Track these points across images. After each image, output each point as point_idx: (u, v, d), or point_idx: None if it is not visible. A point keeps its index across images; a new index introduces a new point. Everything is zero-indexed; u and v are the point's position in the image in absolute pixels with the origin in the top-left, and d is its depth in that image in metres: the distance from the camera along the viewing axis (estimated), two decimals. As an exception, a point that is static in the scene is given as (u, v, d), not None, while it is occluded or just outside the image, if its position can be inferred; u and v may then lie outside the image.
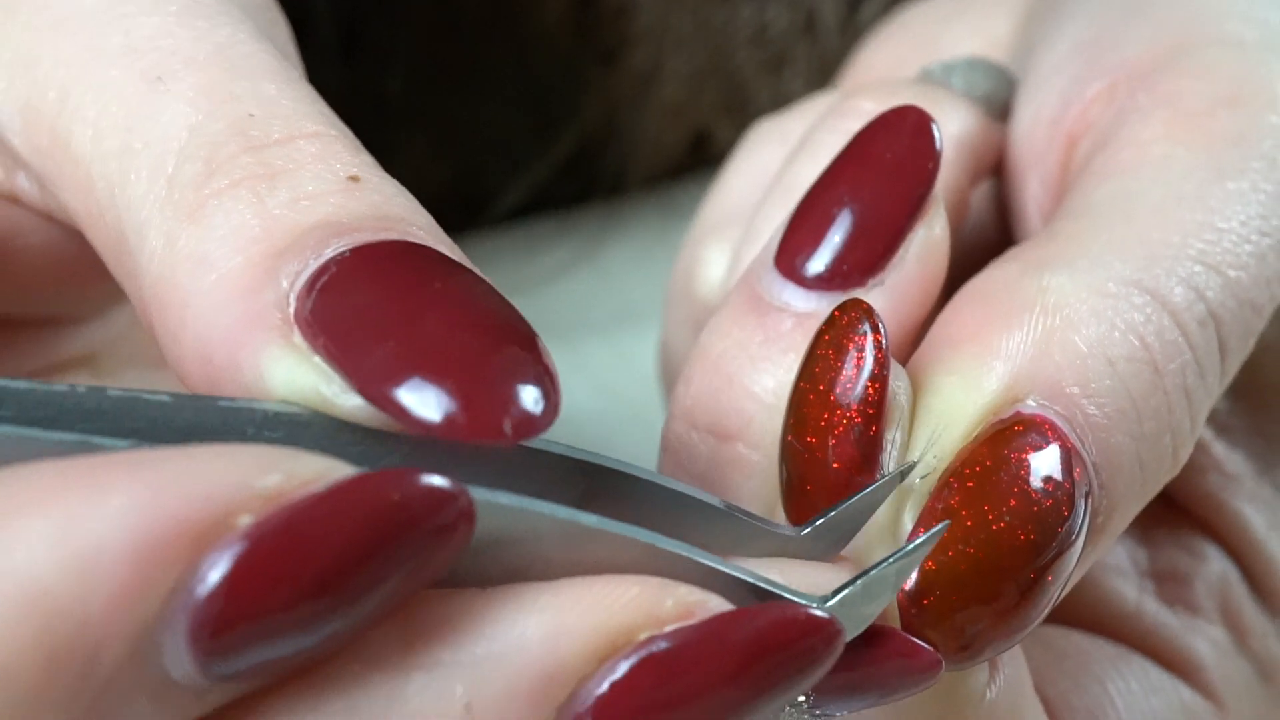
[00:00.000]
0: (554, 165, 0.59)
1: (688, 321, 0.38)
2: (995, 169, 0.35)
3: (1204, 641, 0.33)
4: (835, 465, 0.26)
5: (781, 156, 0.35)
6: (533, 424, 0.23)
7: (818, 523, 0.26)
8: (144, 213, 0.25)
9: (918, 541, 0.25)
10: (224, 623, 0.21)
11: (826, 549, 0.26)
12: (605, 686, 0.22)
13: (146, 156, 0.26)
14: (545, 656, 0.22)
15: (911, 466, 0.26)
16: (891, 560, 0.24)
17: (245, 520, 0.21)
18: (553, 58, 0.57)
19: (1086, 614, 0.33)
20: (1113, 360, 0.27)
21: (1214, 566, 0.33)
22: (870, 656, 0.24)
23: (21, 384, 0.23)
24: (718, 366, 0.29)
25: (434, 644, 0.22)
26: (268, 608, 0.21)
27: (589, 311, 0.56)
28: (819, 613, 0.23)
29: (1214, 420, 0.34)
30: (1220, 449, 0.34)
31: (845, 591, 0.24)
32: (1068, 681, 0.31)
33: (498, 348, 0.23)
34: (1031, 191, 0.34)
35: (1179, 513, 0.34)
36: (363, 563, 0.21)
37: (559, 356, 0.46)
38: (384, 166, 0.26)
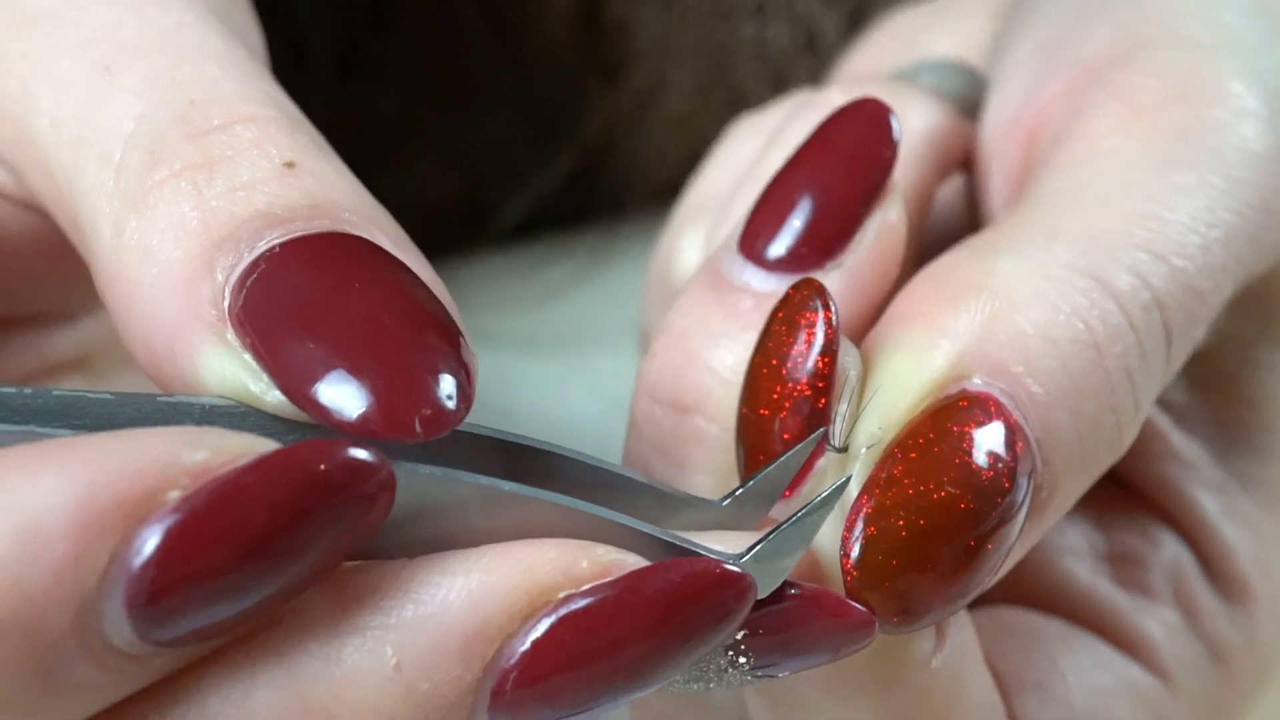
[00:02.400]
0: (556, 180, 0.60)
1: (664, 305, 0.39)
2: (965, 164, 0.36)
3: (1156, 622, 0.33)
4: (785, 436, 0.27)
5: (758, 148, 0.36)
6: (443, 420, 0.24)
7: (737, 492, 0.27)
8: (96, 202, 0.27)
9: (821, 495, 0.26)
10: (158, 590, 0.22)
11: (752, 518, 0.27)
12: (528, 643, 0.24)
13: (97, 146, 0.27)
14: (470, 617, 0.24)
15: (823, 433, 0.27)
16: (797, 516, 0.26)
17: (175, 494, 0.22)
18: (554, 74, 0.58)
19: (1041, 594, 0.34)
20: (1055, 341, 0.28)
21: (1168, 551, 0.34)
22: (803, 616, 0.26)
23: None
24: (680, 343, 0.30)
25: (365, 610, 0.24)
26: (199, 575, 0.22)
27: (595, 325, 0.57)
28: (731, 567, 0.25)
29: (1172, 409, 0.35)
30: (1177, 437, 0.34)
31: (757, 548, 0.25)
32: (1019, 656, 0.32)
33: (415, 343, 0.24)
34: (995, 185, 0.35)
35: (1135, 498, 0.35)
36: (288, 530, 0.22)
37: (566, 368, 0.48)
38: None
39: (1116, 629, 0.33)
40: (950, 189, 0.37)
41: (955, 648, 0.29)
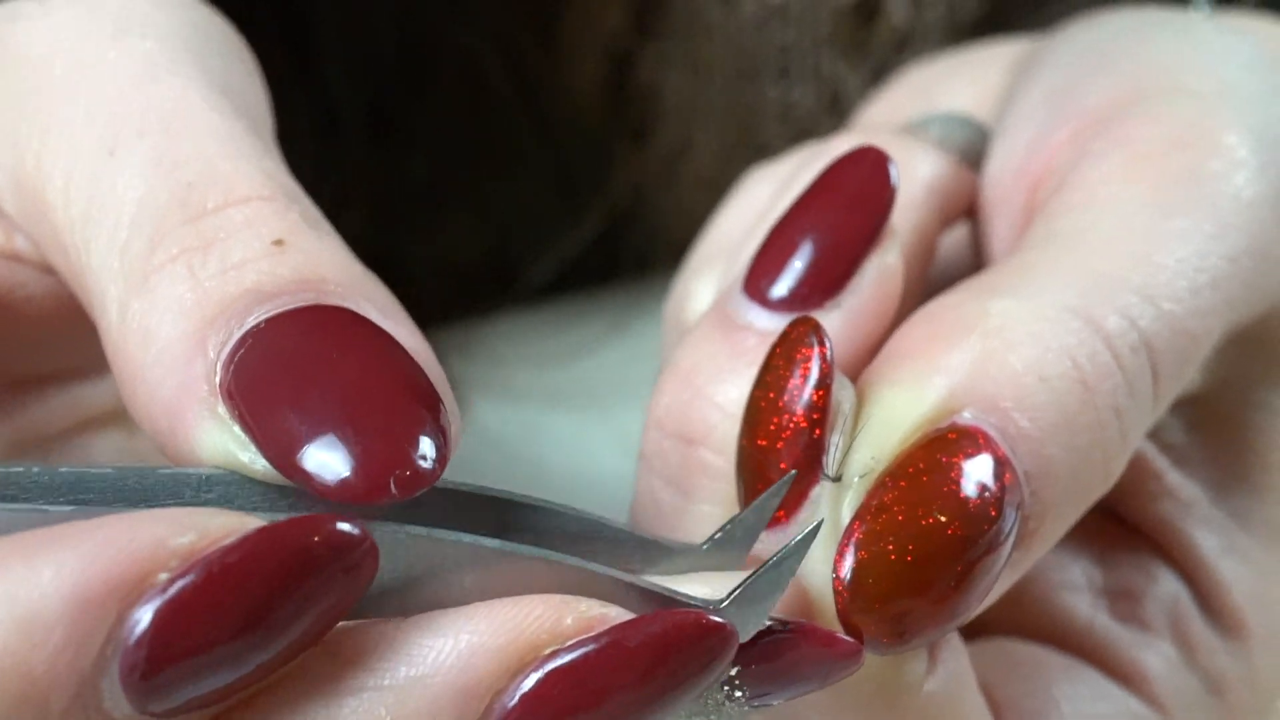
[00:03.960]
0: (584, 240, 0.61)
1: (678, 346, 0.40)
2: (970, 213, 0.38)
3: (1154, 655, 0.34)
4: (782, 465, 0.28)
5: (769, 196, 0.37)
6: (418, 480, 0.25)
7: (715, 536, 0.28)
8: (104, 284, 0.28)
9: (796, 539, 0.27)
10: (152, 665, 0.23)
11: (735, 559, 0.28)
12: (516, 699, 0.25)
13: (104, 226, 0.29)
14: (460, 676, 0.25)
15: (789, 479, 0.28)
16: (774, 559, 0.27)
17: (163, 576, 0.23)
18: (582, 136, 0.60)
19: (1042, 627, 0.35)
20: (1046, 378, 0.29)
21: (1166, 586, 0.35)
22: (791, 649, 0.27)
23: None
24: (688, 379, 0.31)
25: (360, 671, 0.25)
26: (189, 649, 0.24)
27: (621, 380, 0.58)
28: (714, 617, 0.26)
29: (1170, 450, 0.36)
30: (1176, 477, 0.35)
31: (736, 592, 0.26)
32: (1018, 686, 0.33)
33: (392, 409, 0.26)
34: (999, 232, 0.36)
35: (1135, 535, 0.36)
36: (273, 603, 0.24)
37: (595, 423, 0.49)
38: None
39: (1115, 661, 0.34)
40: (957, 236, 0.38)
41: (948, 672, 0.29)
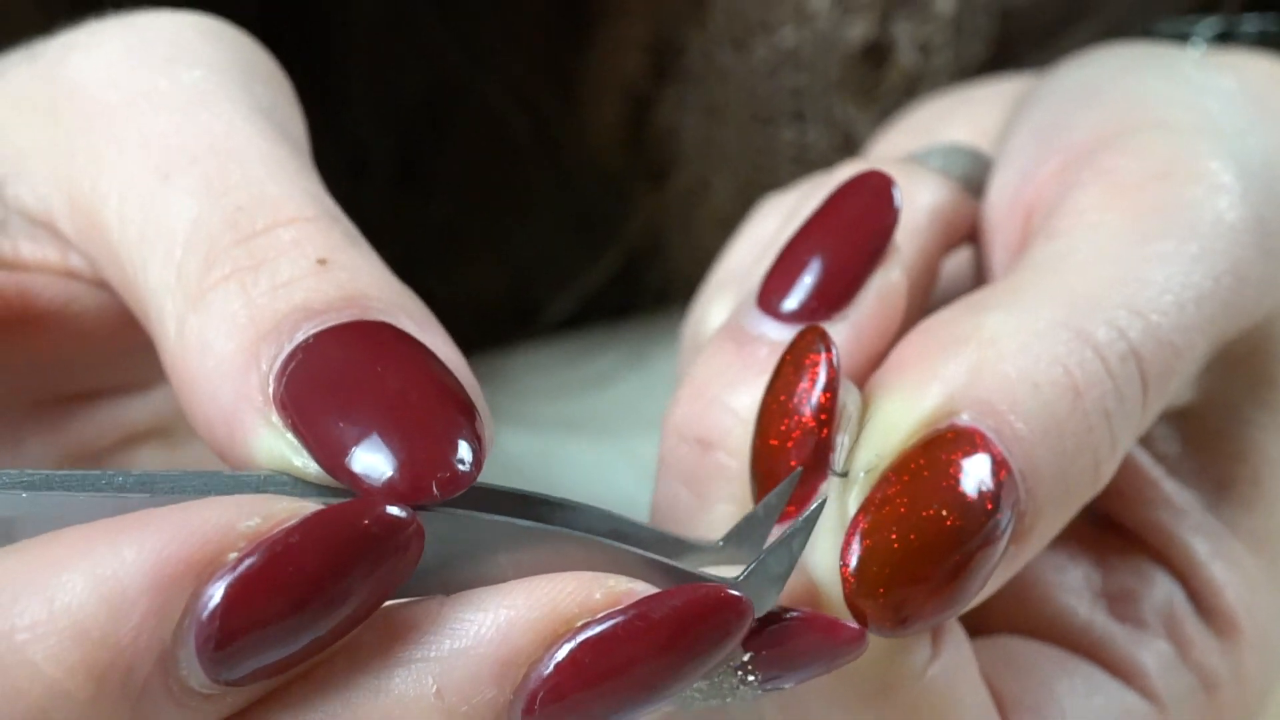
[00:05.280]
0: (603, 279, 0.63)
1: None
2: (972, 238, 0.39)
3: (1149, 653, 0.36)
4: (792, 464, 0.30)
5: (778, 224, 0.39)
6: (457, 482, 0.27)
7: (730, 534, 0.30)
8: (161, 299, 0.31)
9: (803, 516, 0.29)
10: (224, 636, 0.26)
11: (749, 555, 0.30)
12: (551, 666, 0.27)
13: (160, 246, 0.31)
14: (500, 647, 0.27)
15: (798, 475, 0.30)
16: (784, 536, 0.29)
17: (233, 555, 0.26)
18: (601, 178, 0.62)
19: (1041, 625, 0.36)
20: (1038, 384, 0.31)
21: (1161, 588, 0.37)
22: (799, 636, 0.29)
23: (75, 471, 0.28)
24: (704, 387, 0.33)
25: (408, 645, 0.27)
26: (257, 621, 0.26)
27: (638, 411, 0.60)
28: (731, 591, 0.28)
29: (1165, 461, 0.37)
30: (1170, 486, 0.37)
31: (751, 568, 0.29)
32: (1019, 680, 0.35)
33: (433, 416, 0.28)
34: (997, 257, 0.38)
35: (1131, 541, 0.37)
36: (329, 579, 0.26)
37: (610, 452, 0.51)
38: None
39: (1111, 658, 0.36)
40: (960, 260, 0.40)
41: (949, 660, 0.31)
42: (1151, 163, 0.35)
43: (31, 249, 0.34)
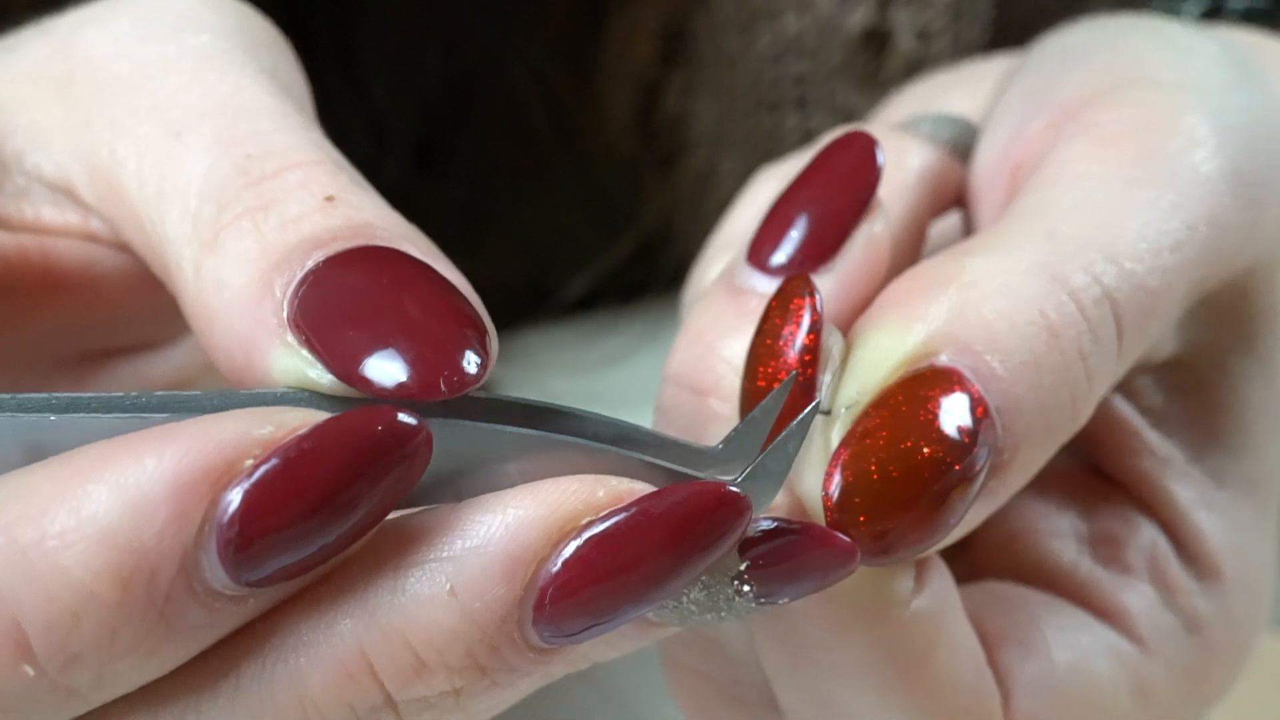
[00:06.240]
0: (617, 262, 0.65)
1: None
2: (959, 202, 0.41)
3: (1133, 595, 0.37)
4: (782, 375, 0.31)
5: (771, 192, 0.41)
6: (464, 381, 0.29)
7: (729, 436, 0.31)
8: (179, 247, 0.32)
9: (796, 421, 0.30)
10: (244, 539, 0.27)
11: (744, 463, 0.31)
12: (559, 563, 0.28)
13: (176, 199, 0.32)
14: (510, 545, 0.28)
15: (793, 378, 0.31)
16: (779, 440, 0.30)
17: (249, 462, 0.27)
18: (614, 164, 0.63)
19: (1028, 570, 0.37)
20: (1015, 325, 0.32)
21: (1145, 534, 0.38)
22: (796, 547, 0.30)
23: (99, 394, 0.30)
24: (699, 338, 0.35)
25: (422, 547, 0.29)
26: (274, 524, 0.27)
27: (651, 387, 0.61)
28: (730, 488, 0.29)
29: (1150, 412, 0.38)
30: (1154, 436, 0.38)
31: (749, 469, 0.30)
32: (1006, 619, 0.36)
33: (439, 323, 0.29)
34: (985, 216, 0.39)
35: (1116, 489, 0.38)
36: (342, 483, 0.27)
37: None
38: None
39: (1097, 600, 0.37)
40: (949, 226, 0.41)
41: (934, 592, 0.32)
42: (1135, 116, 0.36)
43: (53, 215, 0.36)
